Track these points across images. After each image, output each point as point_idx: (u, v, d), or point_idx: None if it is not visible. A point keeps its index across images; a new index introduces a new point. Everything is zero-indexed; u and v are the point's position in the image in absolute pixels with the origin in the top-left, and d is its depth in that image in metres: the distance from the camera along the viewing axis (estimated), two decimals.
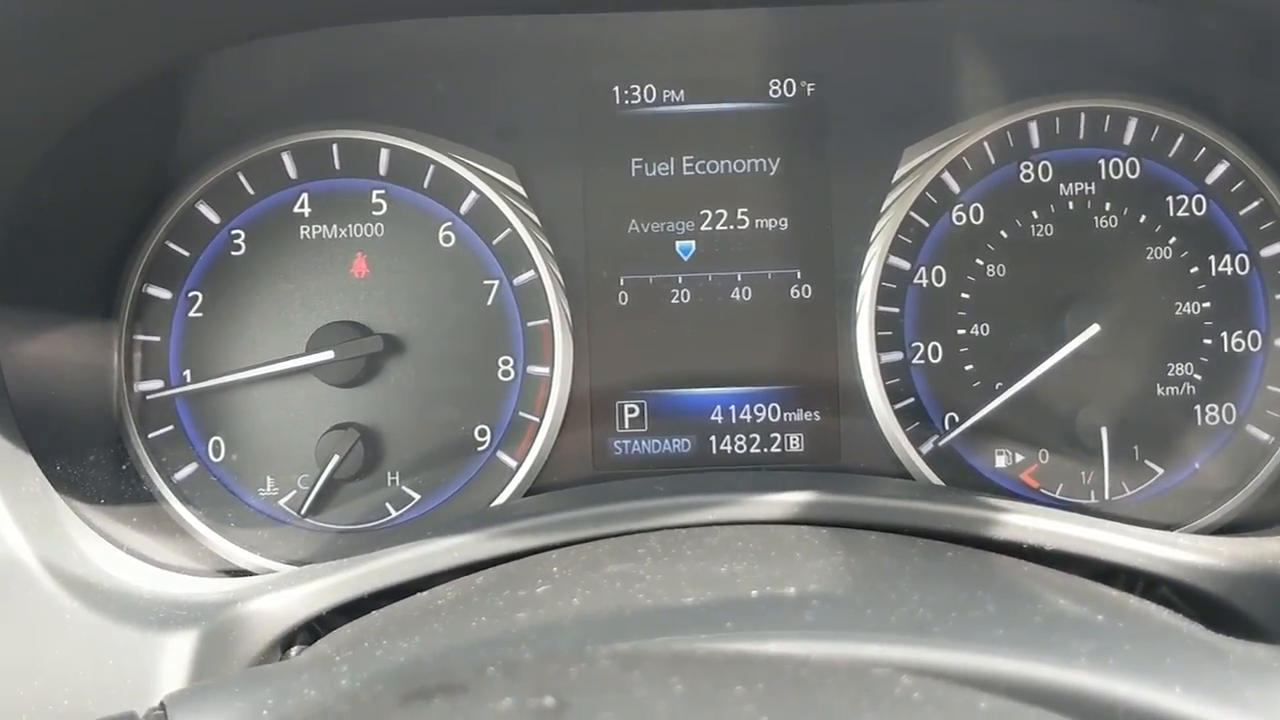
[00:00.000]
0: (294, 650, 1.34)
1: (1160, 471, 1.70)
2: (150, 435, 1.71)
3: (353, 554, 1.45)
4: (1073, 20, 1.71)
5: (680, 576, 1.08)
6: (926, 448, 1.71)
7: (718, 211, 1.77)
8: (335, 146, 1.75)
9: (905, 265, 1.73)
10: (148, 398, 1.71)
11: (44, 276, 1.56)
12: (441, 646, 1.02)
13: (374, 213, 1.75)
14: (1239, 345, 1.70)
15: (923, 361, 1.72)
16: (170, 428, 1.72)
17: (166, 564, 1.55)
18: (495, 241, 1.74)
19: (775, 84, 1.77)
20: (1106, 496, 1.68)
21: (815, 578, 1.06)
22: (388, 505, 1.72)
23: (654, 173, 1.77)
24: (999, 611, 0.99)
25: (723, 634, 0.91)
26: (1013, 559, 1.27)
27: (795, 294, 1.76)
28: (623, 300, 1.76)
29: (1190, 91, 1.72)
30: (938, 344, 1.72)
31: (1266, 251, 1.71)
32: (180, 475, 1.72)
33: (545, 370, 1.73)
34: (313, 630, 1.35)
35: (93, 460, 1.60)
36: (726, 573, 1.07)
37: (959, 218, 1.73)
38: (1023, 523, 1.35)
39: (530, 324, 1.74)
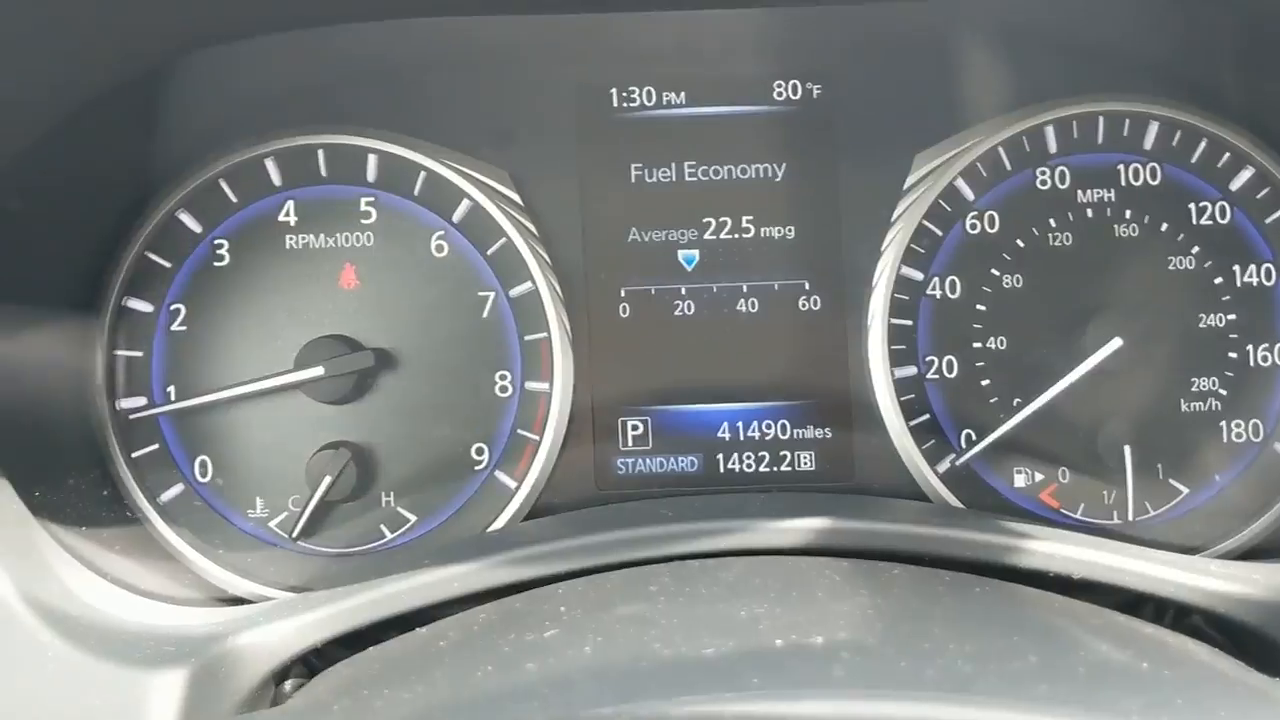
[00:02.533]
0: (288, 684, 1.28)
1: (1185, 491, 1.64)
2: (134, 455, 1.64)
3: (348, 581, 1.39)
4: (1090, 20, 1.64)
5: (698, 621, 1.01)
6: (943, 466, 1.64)
7: (721, 220, 1.70)
8: (321, 152, 1.67)
9: (918, 276, 1.66)
10: (130, 416, 1.64)
11: (18, 291, 1.49)
12: (447, 700, 0.95)
13: (363, 221, 1.67)
14: (1265, 359, 1.64)
15: (938, 376, 1.66)
16: (155, 447, 1.65)
17: (152, 592, 1.49)
18: (490, 251, 1.67)
19: (780, 86, 1.70)
20: (1130, 517, 1.62)
21: (842, 623, 0.99)
22: (383, 527, 1.65)
23: (655, 179, 1.70)
24: (1041, 662, 0.92)
25: (750, 692, 0.84)
26: (1042, 592, 1.21)
27: (804, 305, 1.69)
28: (624, 312, 1.69)
29: (1214, 94, 1.65)
30: (953, 358, 1.66)
31: None
32: (166, 497, 1.64)
33: (544, 386, 1.66)
34: (308, 662, 1.29)
35: (73, 485, 1.52)
36: (747, 617, 1.01)
37: (973, 226, 1.66)
38: (1049, 550, 1.29)
39: (528, 337, 1.67)
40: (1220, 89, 1.67)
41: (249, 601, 1.60)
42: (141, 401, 1.64)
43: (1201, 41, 1.65)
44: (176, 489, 1.64)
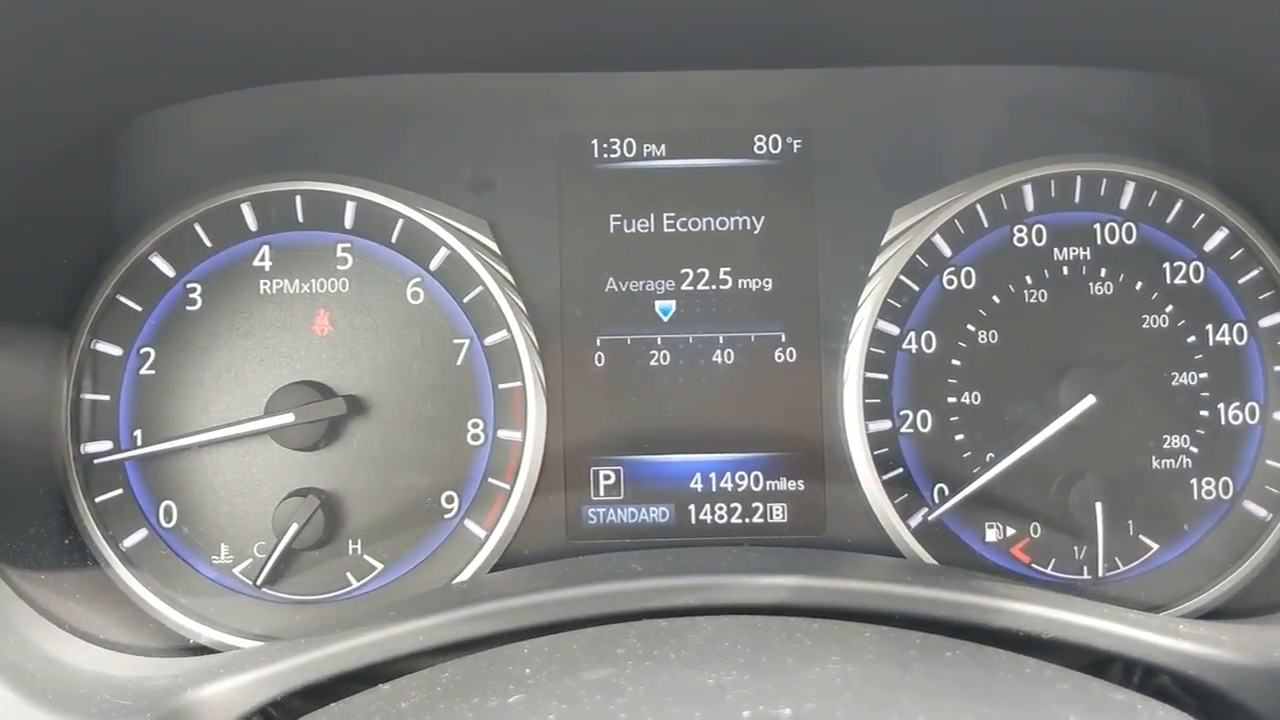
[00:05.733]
0: None
1: (1155, 547, 1.64)
2: (97, 500, 1.62)
3: (311, 630, 1.37)
4: (1069, 84, 1.65)
5: (664, 689, 1.00)
6: (915, 521, 1.64)
7: (699, 270, 1.70)
8: (299, 198, 1.67)
9: (894, 330, 1.66)
10: (95, 460, 1.62)
11: None
12: None
13: (339, 267, 1.66)
14: (1236, 417, 1.65)
15: (912, 430, 1.66)
16: (119, 492, 1.63)
17: (112, 641, 1.47)
18: (466, 299, 1.66)
19: (760, 140, 1.71)
20: (1100, 573, 1.61)
21: (812, 693, 0.98)
22: (349, 575, 1.63)
23: (633, 229, 1.70)
24: None
25: None
26: (1013, 655, 1.20)
27: (779, 357, 1.69)
28: (599, 362, 1.69)
29: (1189, 156, 1.67)
30: (927, 412, 1.66)
31: (1265, 321, 1.66)
32: (129, 543, 1.62)
33: (517, 434, 1.65)
34: (267, 714, 1.27)
35: (34, 534, 1.50)
36: (715, 686, 0.99)
37: (950, 282, 1.67)
38: (1019, 609, 1.29)
39: (502, 386, 1.66)
40: (1200, 152, 1.68)
41: (211, 650, 1.58)
42: (107, 446, 1.62)
43: (1182, 106, 1.67)
44: (140, 535, 1.62)
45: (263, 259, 1.66)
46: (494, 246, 1.66)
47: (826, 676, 1.03)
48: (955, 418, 1.65)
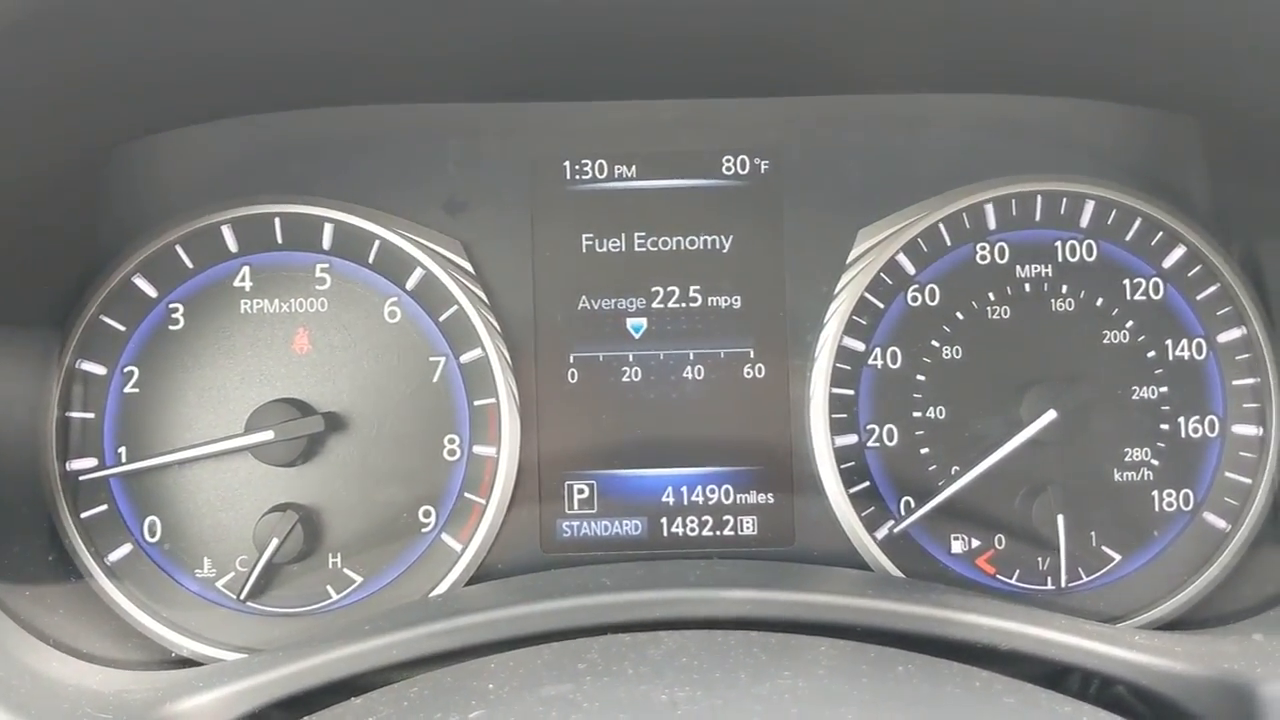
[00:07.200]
0: None
1: (1117, 558, 1.68)
2: (83, 515, 1.66)
3: (290, 644, 1.40)
4: (1030, 109, 1.70)
5: (619, 705, 1.03)
6: (881, 533, 1.68)
7: (669, 289, 1.74)
8: (278, 220, 1.70)
9: (860, 347, 1.70)
10: (80, 477, 1.66)
11: None
12: None
13: (317, 288, 1.70)
14: (1196, 431, 1.69)
15: (878, 444, 1.69)
16: (104, 507, 1.66)
17: (95, 655, 1.50)
18: (442, 318, 1.70)
19: (729, 161, 1.74)
20: (1063, 584, 1.65)
21: (759, 709, 1.02)
22: (329, 588, 1.67)
23: (605, 249, 1.74)
24: None
25: None
26: (965, 667, 1.23)
27: (748, 373, 1.72)
28: (572, 378, 1.72)
29: (1148, 176, 1.71)
30: (893, 427, 1.69)
31: (1223, 337, 1.69)
32: (113, 557, 1.66)
33: (492, 450, 1.69)
34: None
35: (19, 550, 1.54)
36: (667, 701, 1.03)
37: (914, 299, 1.70)
38: (977, 621, 1.32)
39: (477, 403, 1.69)
40: (1159, 173, 1.72)
41: (195, 662, 1.61)
42: (92, 463, 1.66)
43: (1139, 131, 1.72)
44: (125, 549, 1.66)
45: (243, 279, 1.70)
46: (468, 266, 1.70)
47: (776, 691, 1.07)
48: (920, 432, 1.69)
